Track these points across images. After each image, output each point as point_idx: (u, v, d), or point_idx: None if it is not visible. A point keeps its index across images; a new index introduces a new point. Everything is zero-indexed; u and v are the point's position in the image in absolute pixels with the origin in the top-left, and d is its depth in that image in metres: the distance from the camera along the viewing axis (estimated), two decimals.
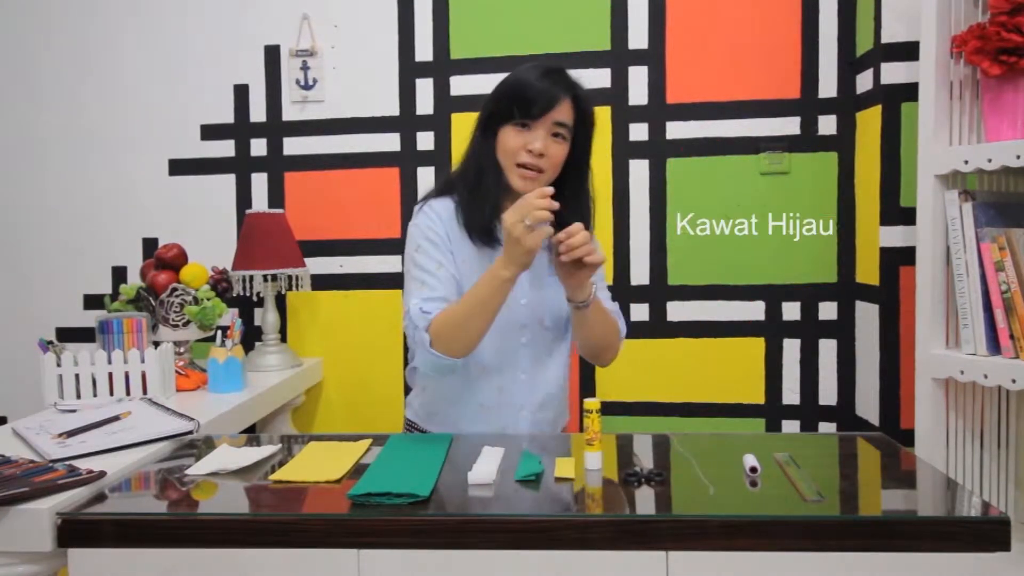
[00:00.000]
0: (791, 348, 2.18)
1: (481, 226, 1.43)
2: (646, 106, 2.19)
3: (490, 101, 1.44)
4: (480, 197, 1.41)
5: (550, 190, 1.25)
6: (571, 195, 1.44)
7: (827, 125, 2.12)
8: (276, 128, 2.33)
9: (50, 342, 1.78)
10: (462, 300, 1.35)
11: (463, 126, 2.25)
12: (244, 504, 1.12)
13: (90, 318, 2.37)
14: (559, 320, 1.51)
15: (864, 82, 2.01)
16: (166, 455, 1.32)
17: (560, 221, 1.33)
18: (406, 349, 2.28)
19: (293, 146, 2.33)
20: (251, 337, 2.28)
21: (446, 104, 2.26)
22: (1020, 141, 1.45)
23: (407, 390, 1.64)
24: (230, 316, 1.92)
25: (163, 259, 2.03)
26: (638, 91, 2.19)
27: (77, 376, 1.74)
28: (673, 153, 2.19)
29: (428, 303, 1.37)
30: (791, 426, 2.18)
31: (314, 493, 1.12)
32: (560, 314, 1.50)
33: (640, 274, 2.22)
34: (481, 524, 1.01)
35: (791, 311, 2.17)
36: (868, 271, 1.99)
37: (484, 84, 2.22)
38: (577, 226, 1.29)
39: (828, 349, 2.16)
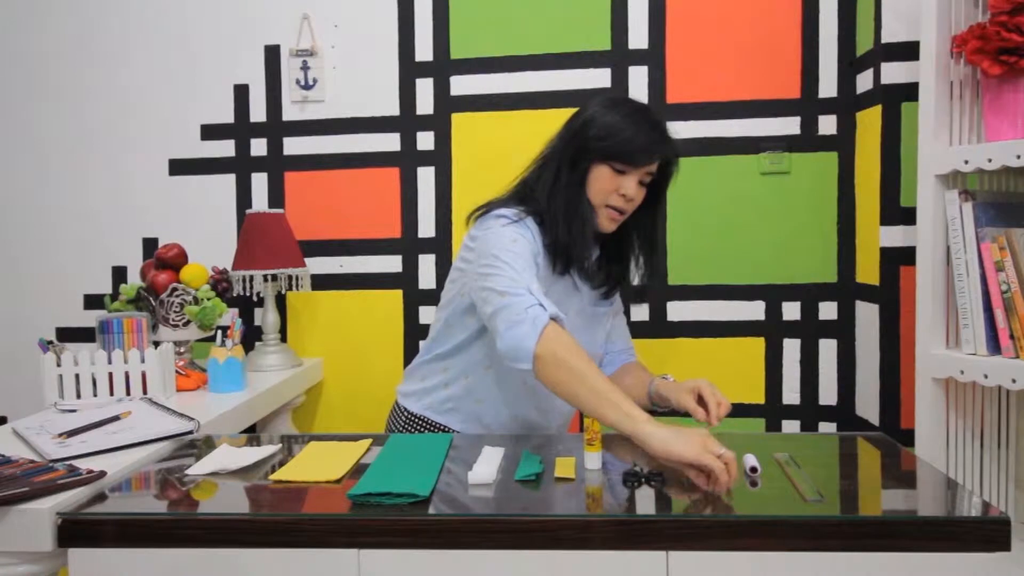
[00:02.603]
0: (791, 348, 2.17)
1: (571, 256, 1.44)
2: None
3: (587, 138, 1.42)
4: (576, 230, 1.42)
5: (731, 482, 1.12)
6: (647, 233, 1.53)
7: (827, 125, 2.12)
8: (276, 128, 2.33)
9: (50, 342, 1.78)
10: (597, 378, 1.23)
11: (463, 126, 2.26)
12: (244, 504, 1.12)
13: (90, 318, 2.37)
14: (597, 353, 1.57)
15: (864, 82, 2.01)
16: (166, 455, 1.32)
17: (625, 247, 1.53)
18: (407, 349, 2.29)
19: (293, 146, 2.32)
20: (251, 337, 2.28)
21: (446, 104, 2.26)
22: (1020, 141, 1.45)
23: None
24: (230, 316, 1.92)
25: (163, 259, 2.03)
26: (638, 91, 2.19)
27: (77, 376, 1.74)
28: None
29: (543, 296, 1.30)
30: (791, 426, 2.18)
31: (314, 493, 1.12)
32: (596, 346, 1.57)
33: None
34: (481, 524, 1.01)
35: (791, 311, 2.17)
36: (868, 271, 1.99)
37: (484, 84, 2.25)
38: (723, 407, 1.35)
39: (828, 349, 2.16)
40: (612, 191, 1.41)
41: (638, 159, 1.39)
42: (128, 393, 1.75)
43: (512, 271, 1.32)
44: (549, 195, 1.44)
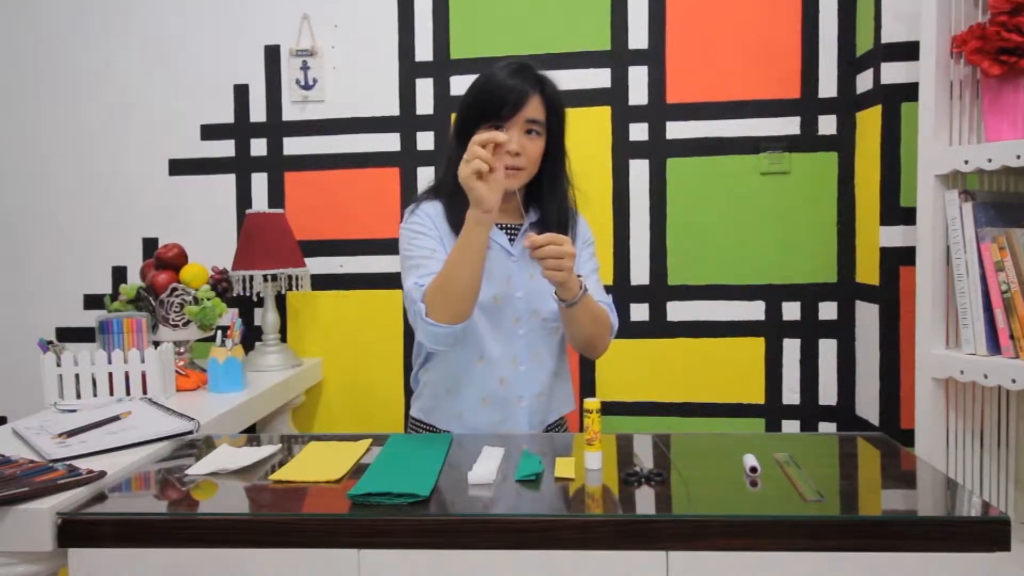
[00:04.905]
0: (791, 348, 2.18)
1: None
2: (646, 106, 2.19)
3: (462, 107, 1.47)
4: (463, 201, 1.40)
5: (494, 135, 1.27)
6: (549, 186, 1.50)
7: (827, 125, 2.12)
8: (276, 128, 2.33)
9: (50, 342, 1.78)
10: (445, 261, 1.36)
11: None
12: (244, 504, 1.12)
13: (90, 318, 2.37)
14: (554, 311, 1.52)
15: (864, 82, 2.01)
16: (166, 455, 1.32)
17: (543, 215, 1.49)
18: (406, 349, 2.29)
19: (293, 146, 2.33)
20: (251, 337, 2.28)
21: (446, 104, 2.26)
22: (1020, 141, 1.45)
23: (407, 392, 1.65)
24: (230, 316, 1.92)
25: (163, 259, 2.03)
26: (638, 91, 2.19)
27: (77, 376, 1.74)
28: (673, 153, 2.19)
29: (423, 278, 1.40)
30: (791, 426, 2.18)
31: (314, 493, 1.12)
32: (554, 304, 1.51)
33: (640, 274, 2.22)
34: (481, 524, 1.01)
35: (791, 311, 2.17)
36: (868, 271, 1.99)
37: None
38: (545, 237, 1.29)
39: (828, 349, 2.16)
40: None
41: (505, 109, 1.39)
42: (128, 393, 1.75)
43: (406, 278, 1.44)
44: (444, 176, 1.50)
